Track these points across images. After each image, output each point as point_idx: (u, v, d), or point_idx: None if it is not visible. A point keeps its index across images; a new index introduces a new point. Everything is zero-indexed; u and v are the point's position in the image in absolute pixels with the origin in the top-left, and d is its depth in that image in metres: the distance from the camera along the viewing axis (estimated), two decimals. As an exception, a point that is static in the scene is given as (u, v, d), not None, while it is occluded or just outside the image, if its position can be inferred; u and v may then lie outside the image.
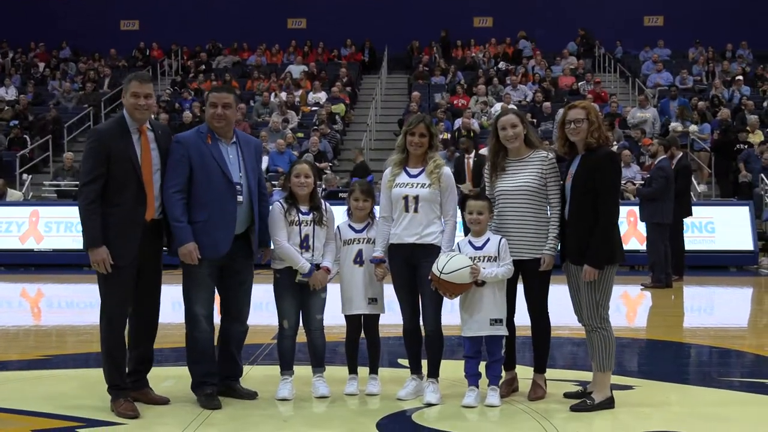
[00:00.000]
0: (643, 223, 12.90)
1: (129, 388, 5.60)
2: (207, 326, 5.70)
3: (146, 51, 28.79)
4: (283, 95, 22.88)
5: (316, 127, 20.46)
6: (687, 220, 13.74)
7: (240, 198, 5.72)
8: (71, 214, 15.90)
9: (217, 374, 5.79)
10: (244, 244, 5.82)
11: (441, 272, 5.55)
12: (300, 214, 5.95)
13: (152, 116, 5.86)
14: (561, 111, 6.01)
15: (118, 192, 5.45)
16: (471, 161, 14.49)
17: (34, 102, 24.34)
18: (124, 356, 5.61)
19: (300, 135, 20.57)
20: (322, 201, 6.10)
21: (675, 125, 20.29)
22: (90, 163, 5.51)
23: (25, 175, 20.14)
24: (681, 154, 13.07)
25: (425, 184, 5.80)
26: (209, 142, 5.71)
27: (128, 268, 5.48)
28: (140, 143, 5.56)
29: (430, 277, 5.64)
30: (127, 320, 5.69)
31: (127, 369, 5.69)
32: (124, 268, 5.45)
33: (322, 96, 23.44)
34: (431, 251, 5.74)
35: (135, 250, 5.47)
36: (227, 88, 6.00)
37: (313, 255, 5.94)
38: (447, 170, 5.88)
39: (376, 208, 6.14)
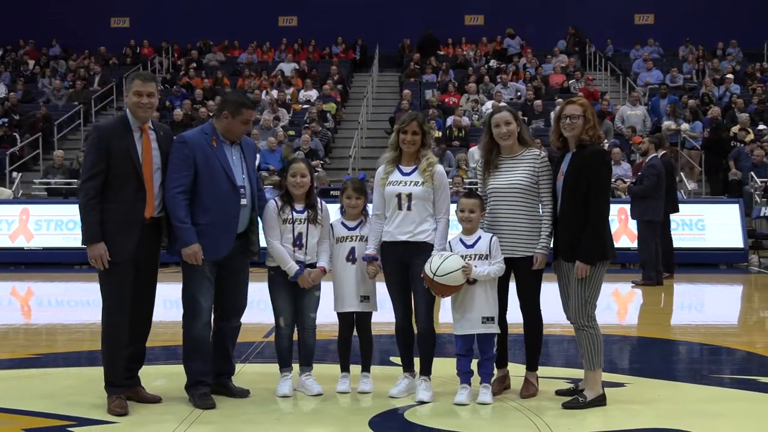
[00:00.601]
0: (634, 221, 12.94)
1: (123, 385, 5.60)
2: (207, 321, 5.69)
3: (137, 49, 28.69)
4: (274, 93, 22.86)
5: (307, 125, 20.45)
6: (676, 217, 13.79)
7: (244, 201, 5.73)
8: (61, 212, 15.95)
9: (212, 373, 5.78)
10: (242, 243, 5.82)
11: (434, 274, 5.55)
12: (294, 212, 5.94)
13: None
14: (558, 107, 6.04)
15: (117, 189, 5.45)
16: None
17: (24, 99, 24.24)
18: (122, 354, 5.60)
19: (291, 133, 20.54)
20: (318, 199, 6.09)
21: (668, 123, 20.35)
22: (90, 159, 5.52)
23: (14, 173, 20.06)
24: (664, 151, 13.11)
25: (418, 182, 5.80)
26: (214, 144, 5.71)
27: (126, 265, 5.48)
28: (141, 141, 5.56)
29: (422, 276, 5.65)
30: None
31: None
32: (121, 264, 5.45)
33: (313, 94, 23.42)
34: (424, 249, 5.74)
35: (133, 247, 5.47)
36: (255, 104, 6.00)
37: (306, 253, 5.94)
38: (440, 168, 5.88)
39: (369, 206, 6.14)
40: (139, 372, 5.82)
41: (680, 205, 15.67)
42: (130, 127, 5.57)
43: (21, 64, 27.95)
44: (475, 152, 18.35)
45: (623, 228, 14.99)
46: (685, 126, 20.30)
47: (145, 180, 5.50)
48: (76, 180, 18.22)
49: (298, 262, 5.89)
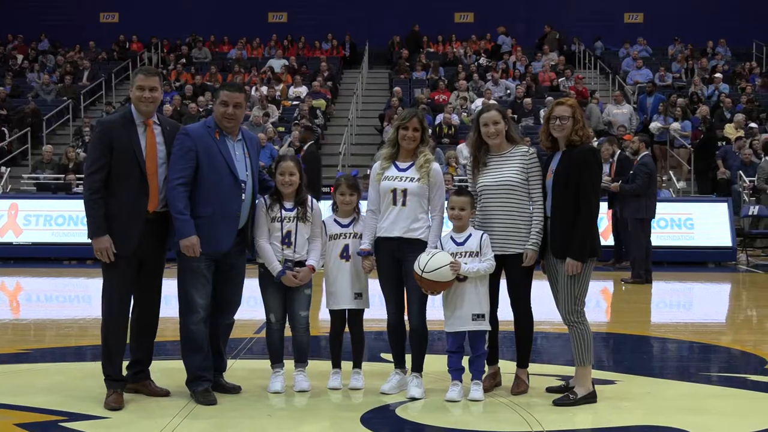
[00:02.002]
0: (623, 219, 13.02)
1: (121, 379, 5.63)
2: (204, 316, 5.68)
3: (126, 44, 28.60)
4: (264, 89, 22.82)
5: (297, 122, 20.42)
6: (666, 216, 13.84)
7: (244, 196, 5.72)
8: (50, 207, 15.90)
9: (211, 367, 5.78)
10: (241, 239, 5.82)
11: (423, 271, 5.57)
12: (283, 210, 5.93)
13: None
14: (547, 108, 6.08)
15: (120, 183, 5.48)
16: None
17: (13, 94, 24.12)
18: (120, 348, 5.63)
19: (281, 129, 20.52)
20: (309, 197, 6.07)
21: (655, 124, 20.40)
22: (93, 153, 5.57)
23: (3, 168, 19.98)
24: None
25: (414, 178, 5.82)
26: (217, 137, 5.70)
27: (128, 258, 5.51)
28: (145, 136, 5.58)
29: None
30: (130, 314, 5.73)
31: (129, 360, 5.81)
32: (124, 258, 5.48)
33: (302, 90, 23.39)
34: (417, 246, 5.75)
35: (136, 241, 5.50)
36: (239, 87, 5.96)
37: (294, 251, 5.93)
38: (436, 165, 5.89)
39: (362, 203, 6.14)
40: (149, 366, 5.88)
41: (670, 204, 15.84)
42: (134, 121, 5.60)
43: (9, 59, 27.80)
44: (463, 149, 18.39)
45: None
46: (675, 125, 20.36)
47: (149, 174, 5.52)
48: (64, 175, 18.23)
49: (286, 260, 5.89)
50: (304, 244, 5.96)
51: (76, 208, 15.04)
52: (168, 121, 5.90)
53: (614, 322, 9.95)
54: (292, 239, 5.92)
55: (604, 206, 14.05)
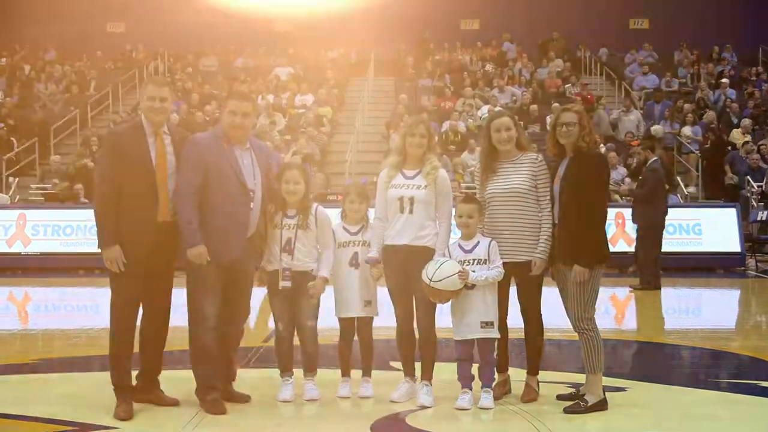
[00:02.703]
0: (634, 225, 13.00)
1: (131, 389, 5.64)
2: (214, 325, 5.67)
3: (132, 53, 28.65)
4: (270, 98, 22.84)
5: (303, 130, 20.44)
6: (673, 221, 13.82)
7: (252, 204, 5.72)
8: (58, 217, 15.95)
9: (221, 376, 5.77)
10: (248, 248, 5.81)
11: (431, 280, 5.56)
12: (285, 218, 5.93)
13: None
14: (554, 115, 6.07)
15: (131, 193, 5.50)
16: None
17: (20, 105, 24.20)
18: (129, 357, 5.64)
19: (287, 137, 20.53)
20: (314, 205, 6.05)
21: (657, 128, 20.38)
22: (104, 164, 5.63)
23: (11, 178, 20.04)
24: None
25: (421, 185, 5.81)
26: (225, 146, 5.70)
27: (137, 267, 5.52)
28: (156, 146, 5.59)
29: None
30: (138, 324, 5.75)
31: (139, 369, 5.82)
32: (133, 267, 5.49)
33: (309, 98, 23.40)
34: (425, 253, 5.74)
35: (145, 251, 5.51)
36: (246, 96, 5.98)
37: (293, 258, 5.91)
38: (443, 172, 5.89)
39: (370, 211, 6.13)
40: (158, 375, 5.89)
41: (678, 210, 15.81)
42: (144, 131, 5.62)
43: (17, 70, 27.88)
44: (467, 158, 18.43)
45: (620, 232, 15.00)
46: (686, 130, 20.31)
47: (159, 184, 5.54)
48: (71, 185, 18.25)
49: (285, 269, 5.88)
50: (307, 252, 5.94)
51: (84, 217, 15.09)
52: (177, 130, 5.92)
53: (623, 329, 9.93)
54: (292, 247, 5.91)
55: (612, 212, 14.07)
